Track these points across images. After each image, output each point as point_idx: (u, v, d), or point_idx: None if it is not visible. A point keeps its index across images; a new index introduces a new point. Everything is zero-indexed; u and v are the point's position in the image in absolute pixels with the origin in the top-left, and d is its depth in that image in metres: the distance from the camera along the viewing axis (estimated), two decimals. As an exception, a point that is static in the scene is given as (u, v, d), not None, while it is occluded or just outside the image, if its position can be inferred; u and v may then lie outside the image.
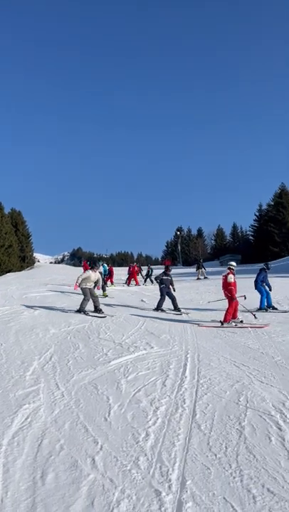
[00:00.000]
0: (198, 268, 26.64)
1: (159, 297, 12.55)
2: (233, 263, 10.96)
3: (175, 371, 5.94)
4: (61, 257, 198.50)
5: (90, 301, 11.39)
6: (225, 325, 9.57)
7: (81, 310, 11.10)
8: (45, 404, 4.74)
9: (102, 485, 3.04)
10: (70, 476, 3.18)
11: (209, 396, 4.89)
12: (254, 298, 12.00)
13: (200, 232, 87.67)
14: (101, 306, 11.55)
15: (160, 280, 12.59)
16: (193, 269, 30.59)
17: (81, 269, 22.38)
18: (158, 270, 20.67)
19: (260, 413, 4.35)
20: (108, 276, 21.06)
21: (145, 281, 23.50)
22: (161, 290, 12.52)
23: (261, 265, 13.18)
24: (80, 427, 4.09)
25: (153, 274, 25.10)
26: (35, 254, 52.28)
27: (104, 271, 21.47)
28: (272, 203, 55.24)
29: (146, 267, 26.17)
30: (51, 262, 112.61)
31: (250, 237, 63.87)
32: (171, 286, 12.50)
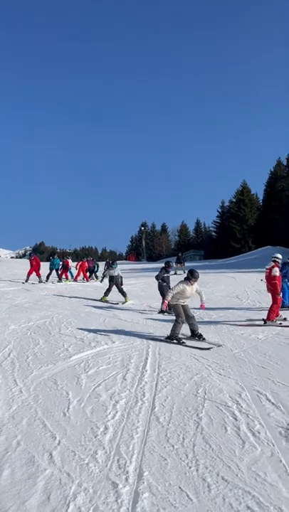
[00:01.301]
0: (178, 262, 26.22)
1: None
2: (279, 255, 9.62)
3: (136, 365, 5.97)
4: (23, 251, 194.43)
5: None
6: (268, 323, 8.78)
7: (173, 337, 7.57)
8: (3, 400, 4.65)
9: (59, 479, 3.03)
10: (27, 472, 3.14)
11: (169, 389, 4.96)
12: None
13: (164, 227, 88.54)
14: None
15: (162, 278, 11.17)
16: (157, 265, 30.77)
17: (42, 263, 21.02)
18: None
19: (217, 404, 4.45)
20: (64, 270, 20.41)
21: (89, 277, 22.14)
22: (162, 289, 11.01)
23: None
24: (38, 423, 4.04)
25: (99, 270, 23.24)
26: (-5, 249, 50.92)
27: (57, 264, 20.44)
28: (234, 200, 56.51)
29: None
30: (12, 257, 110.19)
31: (213, 233, 65.14)
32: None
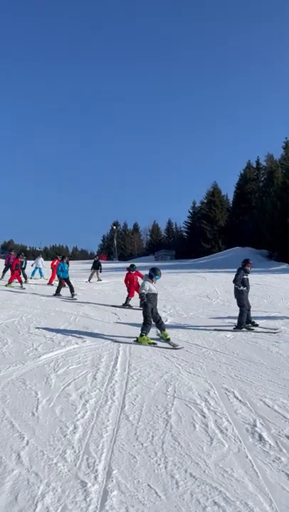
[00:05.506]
0: (94, 267, 19.89)
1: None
2: None
3: (106, 364, 5.97)
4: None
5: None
6: None
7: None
8: None
9: (27, 479, 2.99)
10: (-7, 473, 3.09)
11: (139, 387, 4.98)
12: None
13: (136, 227, 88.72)
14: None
15: (242, 281, 8.64)
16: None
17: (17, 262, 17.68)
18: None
19: (186, 402, 4.51)
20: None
21: (12, 273, 16.87)
22: (240, 297, 8.58)
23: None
24: (5, 423, 3.97)
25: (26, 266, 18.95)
26: None
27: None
28: (205, 201, 57.27)
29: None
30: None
31: (184, 234, 65.72)
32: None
